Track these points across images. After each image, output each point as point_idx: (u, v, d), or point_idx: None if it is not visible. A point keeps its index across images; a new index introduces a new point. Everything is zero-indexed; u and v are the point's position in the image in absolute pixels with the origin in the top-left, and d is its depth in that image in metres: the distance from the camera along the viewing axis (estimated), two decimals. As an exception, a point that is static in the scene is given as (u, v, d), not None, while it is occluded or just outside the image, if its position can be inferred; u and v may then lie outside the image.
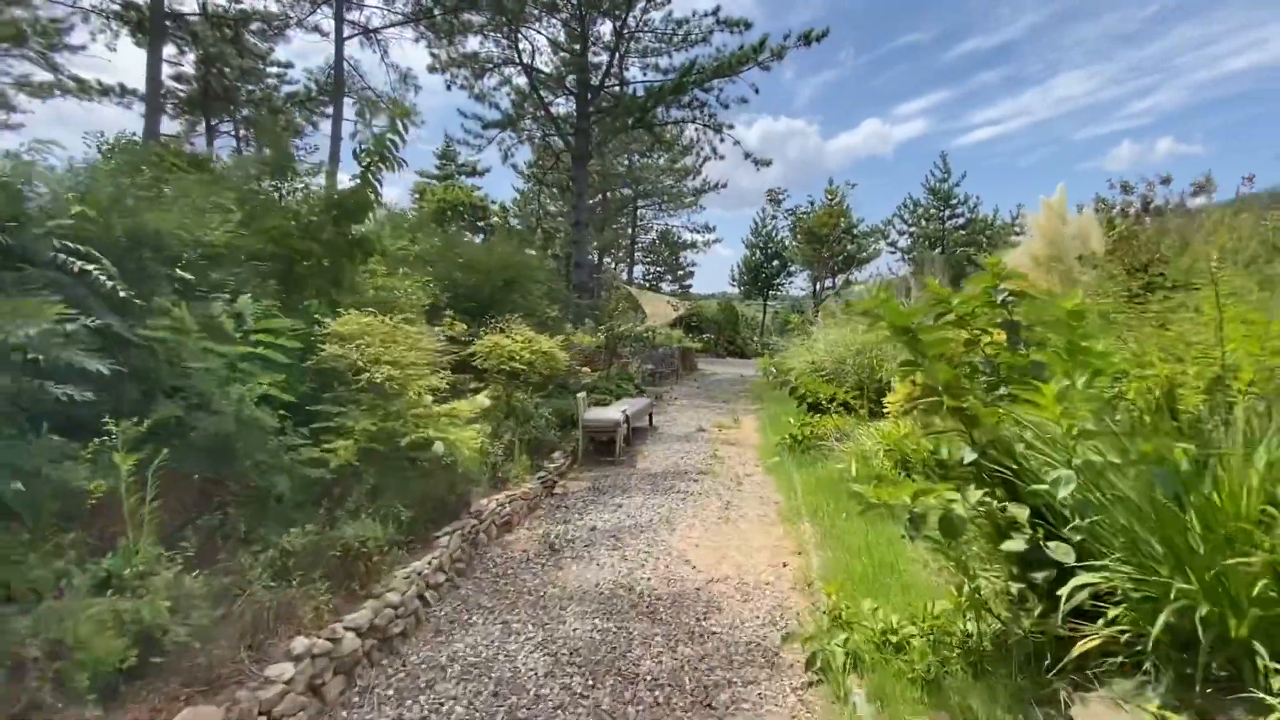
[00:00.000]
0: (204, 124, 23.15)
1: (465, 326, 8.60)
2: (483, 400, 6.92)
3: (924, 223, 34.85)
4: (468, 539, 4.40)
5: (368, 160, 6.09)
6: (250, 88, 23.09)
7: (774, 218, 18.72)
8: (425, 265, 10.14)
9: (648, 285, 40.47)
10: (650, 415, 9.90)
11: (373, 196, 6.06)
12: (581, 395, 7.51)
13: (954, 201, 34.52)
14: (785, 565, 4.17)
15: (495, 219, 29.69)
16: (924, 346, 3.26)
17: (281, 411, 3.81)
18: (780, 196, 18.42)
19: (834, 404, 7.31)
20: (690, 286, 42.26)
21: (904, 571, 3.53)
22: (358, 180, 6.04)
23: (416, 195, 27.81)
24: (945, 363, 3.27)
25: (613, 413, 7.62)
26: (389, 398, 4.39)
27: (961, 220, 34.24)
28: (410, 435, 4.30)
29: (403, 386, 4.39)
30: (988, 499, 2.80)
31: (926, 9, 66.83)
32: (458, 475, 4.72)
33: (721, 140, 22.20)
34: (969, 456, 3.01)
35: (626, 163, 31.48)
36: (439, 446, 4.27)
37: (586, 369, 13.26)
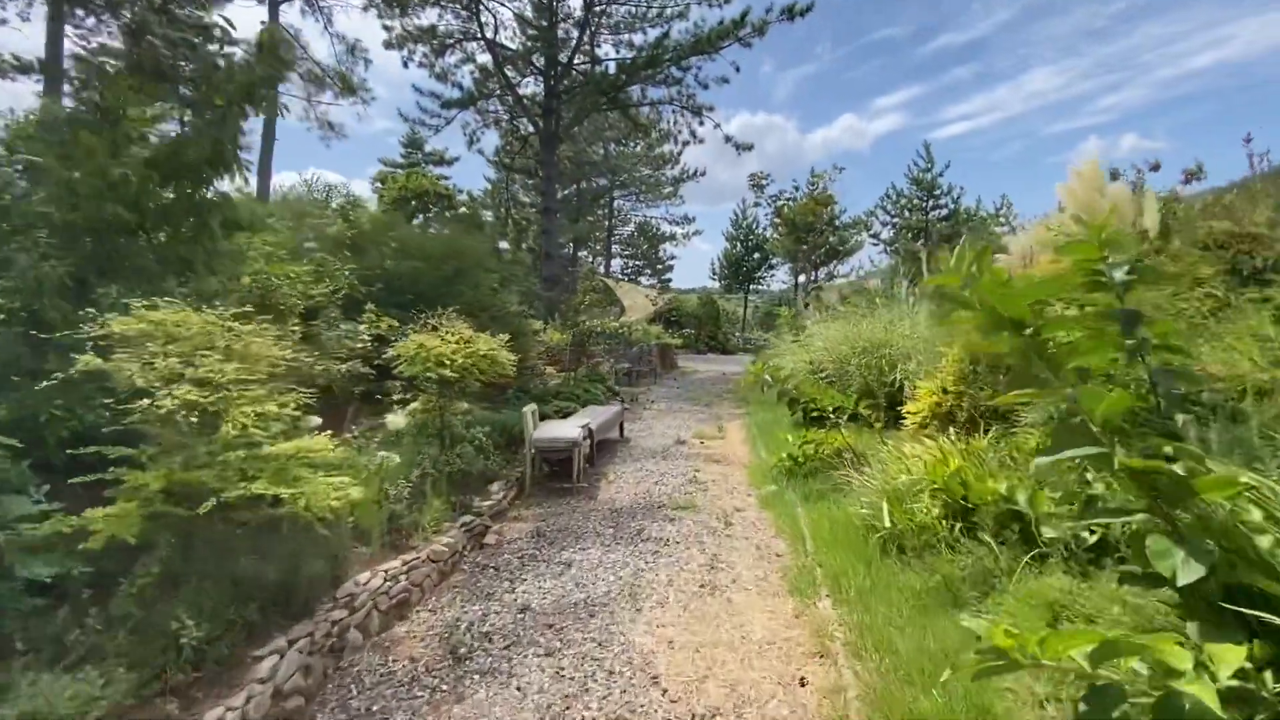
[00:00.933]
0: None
1: (394, 323, 7.03)
2: (397, 420, 5.39)
3: (907, 213, 33.85)
4: (323, 647, 2.87)
5: (224, 98, 4.50)
6: (190, 65, 20.99)
7: (756, 205, 17.30)
8: (349, 250, 8.53)
9: (626, 279, 38.95)
10: (621, 425, 8.42)
11: (232, 148, 4.46)
12: (529, 410, 5.96)
13: (937, 192, 33.58)
14: (804, 683, 2.72)
15: (464, 209, 27.92)
16: (1057, 356, 1.83)
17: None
18: (764, 181, 17.01)
19: (840, 414, 5.90)
20: (670, 281, 40.83)
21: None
22: (214, 128, 4.45)
23: (378, 184, 25.93)
24: (1098, 382, 1.86)
25: (569, 429, 6.12)
26: (198, 433, 2.83)
27: (945, 211, 33.33)
28: (233, 490, 2.76)
29: (218, 415, 2.83)
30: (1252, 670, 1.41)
31: (902, 3, 66.06)
32: (325, 539, 3.19)
33: (701, 123, 20.70)
34: (1190, 572, 1.53)
35: (602, 151, 29.86)
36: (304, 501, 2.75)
37: (553, 369, 11.73)
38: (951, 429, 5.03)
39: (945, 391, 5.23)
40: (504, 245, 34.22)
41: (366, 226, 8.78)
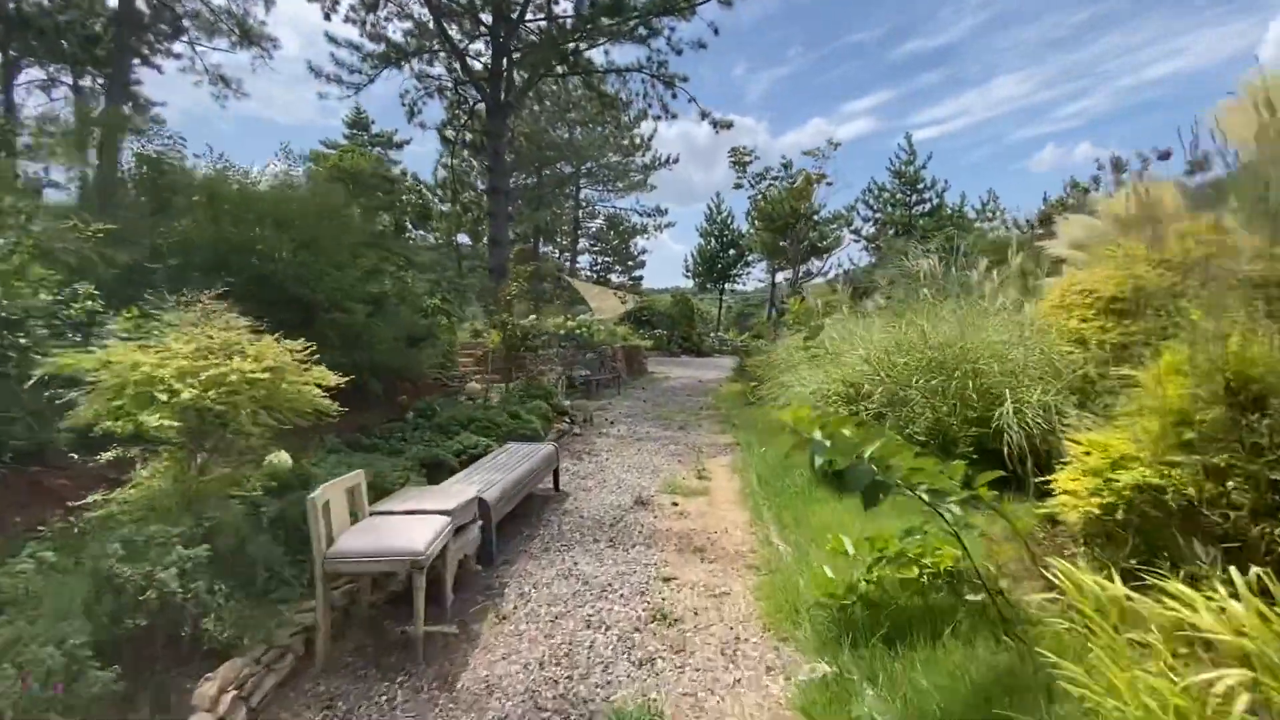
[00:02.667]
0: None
1: (134, 320, 4.02)
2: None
3: (889, 208, 31.69)
4: None
5: None
6: (65, 17, 17.35)
7: (738, 185, 14.58)
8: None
9: (595, 276, 36.03)
10: (556, 473, 5.53)
11: None
12: (318, 496, 2.86)
13: (920, 185, 31.49)
14: None
15: (410, 195, 24.66)
16: None
17: None
18: (747, 158, 14.29)
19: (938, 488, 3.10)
20: (641, 278, 38.02)
21: None
22: None
23: (310, 164, 22.45)
24: None
25: (423, 524, 3.12)
26: None
27: (928, 206, 31.24)
28: None
29: None
30: None
31: (873, 6, 64.67)
32: None
33: (674, 96, 17.89)
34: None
35: (566, 134, 26.85)
36: None
37: (478, 382, 8.77)
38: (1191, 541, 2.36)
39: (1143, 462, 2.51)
40: (464, 239, 30.95)
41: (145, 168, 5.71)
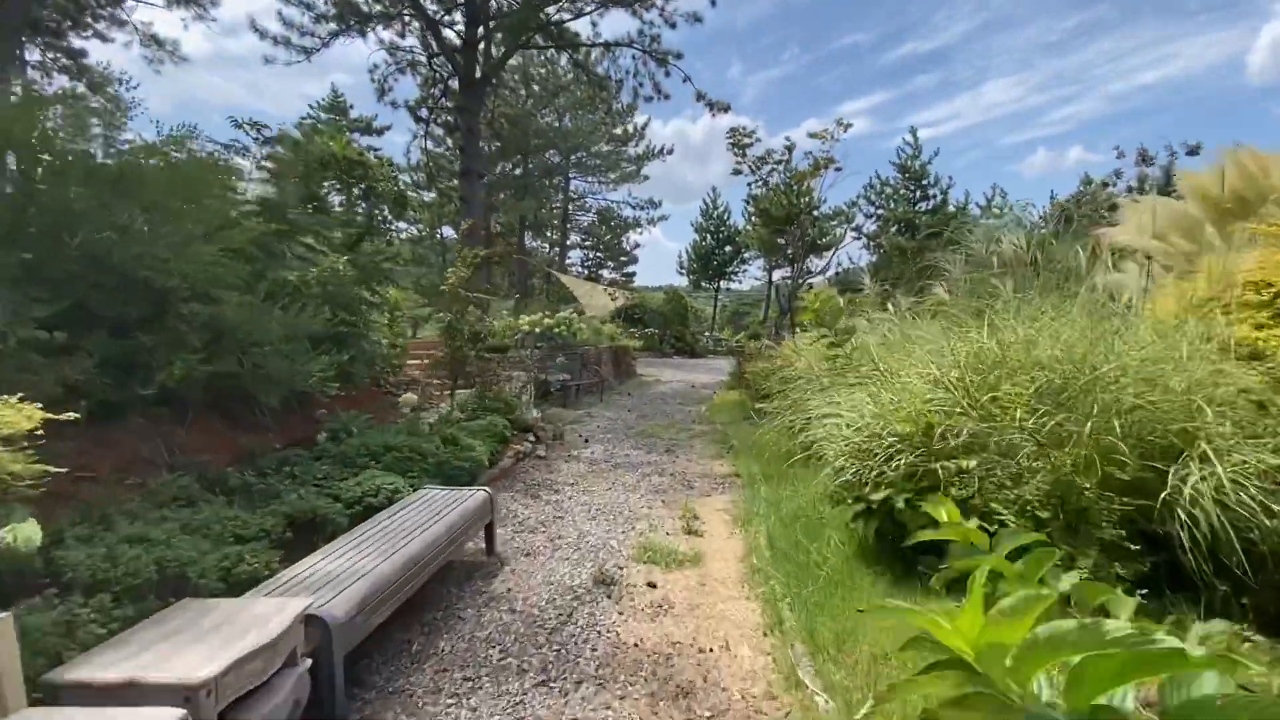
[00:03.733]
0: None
1: None
2: None
3: (892, 204, 30.22)
4: None
5: None
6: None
7: (737, 171, 13.00)
8: None
9: (586, 273, 34.42)
10: (490, 528, 3.93)
11: None
12: None
13: (925, 181, 30.02)
14: None
15: (385, 183, 22.93)
16: None
17: None
18: (746, 139, 12.72)
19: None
20: (634, 274, 36.40)
21: None
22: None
23: (276, 147, 20.72)
24: None
25: None
26: None
27: (933, 203, 29.77)
28: None
29: None
30: None
31: (869, 8, 63.43)
32: None
33: (667, 74, 16.34)
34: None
35: (556, 122, 25.19)
36: None
37: (420, 392, 7.17)
38: None
39: None
40: (449, 232, 29.23)
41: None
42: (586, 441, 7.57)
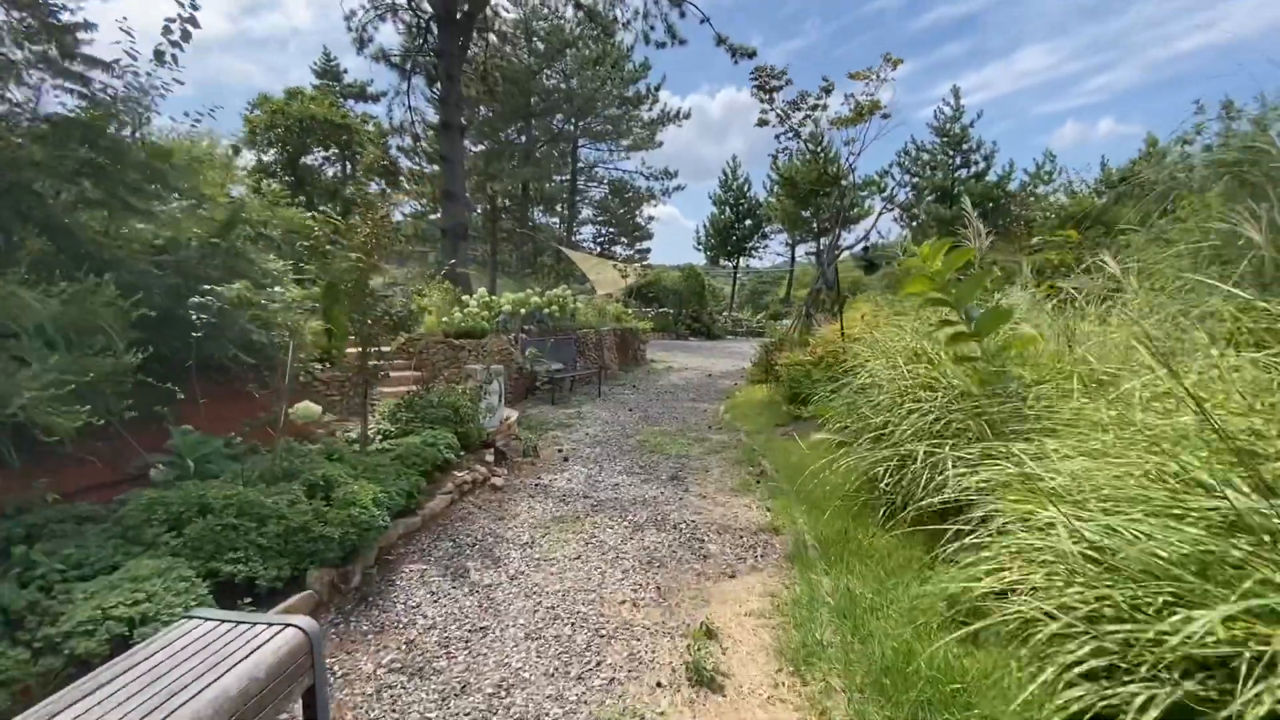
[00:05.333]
0: None
1: None
2: None
3: (930, 171, 27.31)
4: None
5: None
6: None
7: (762, 119, 10.67)
8: None
9: (599, 250, 32.29)
10: (311, 699, 1.99)
11: None
12: None
13: (966, 146, 27.00)
14: None
15: (372, 149, 20.97)
16: None
17: None
18: (773, 81, 10.37)
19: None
20: (649, 251, 34.14)
21: None
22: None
23: (252, 107, 18.77)
24: None
25: None
26: None
27: (975, 169, 26.75)
28: None
29: None
30: None
31: (896, -29, 58.97)
32: None
33: (681, 15, 13.95)
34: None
35: (562, 85, 22.85)
36: None
37: (312, 401, 5.22)
38: None
39: None
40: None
41: None
42: (566, 460, 5.60)
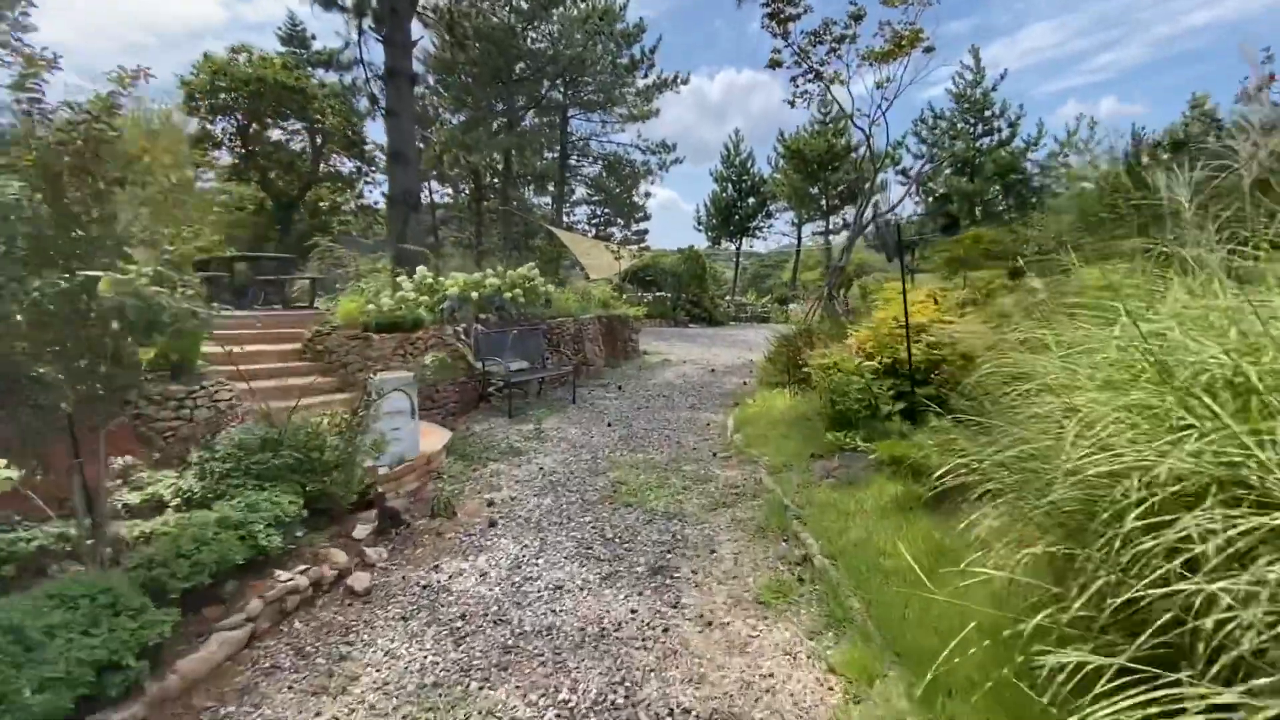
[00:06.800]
0: None
1: None
2: None
3: (949, 140, 24.89)
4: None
5: None
6: None
7: (775, 60, 8.51)
8: None
9: (594, 232, 30.06)
10: None
11: None
12: None
13: (988, 112, 24.54)
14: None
15: (332, 117, 18.73)
16: None
17: None
18: (789, 9, 8.19)
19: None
20: (646, 233, 31.87)
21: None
22: None
23: (194, 71, 16.49)
24: None
25: None
26: None
27: (999, 138, 24.32)
28: None
29: None
30: None
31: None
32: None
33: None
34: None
35: (549, 49, 20.47)
36: None
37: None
38: None
39: None
40: (436, 186, 25.01)
41: None
42: (493, 525, 3.57)
